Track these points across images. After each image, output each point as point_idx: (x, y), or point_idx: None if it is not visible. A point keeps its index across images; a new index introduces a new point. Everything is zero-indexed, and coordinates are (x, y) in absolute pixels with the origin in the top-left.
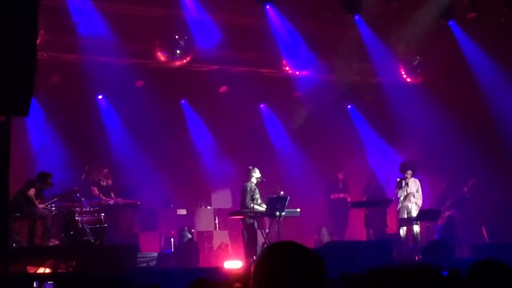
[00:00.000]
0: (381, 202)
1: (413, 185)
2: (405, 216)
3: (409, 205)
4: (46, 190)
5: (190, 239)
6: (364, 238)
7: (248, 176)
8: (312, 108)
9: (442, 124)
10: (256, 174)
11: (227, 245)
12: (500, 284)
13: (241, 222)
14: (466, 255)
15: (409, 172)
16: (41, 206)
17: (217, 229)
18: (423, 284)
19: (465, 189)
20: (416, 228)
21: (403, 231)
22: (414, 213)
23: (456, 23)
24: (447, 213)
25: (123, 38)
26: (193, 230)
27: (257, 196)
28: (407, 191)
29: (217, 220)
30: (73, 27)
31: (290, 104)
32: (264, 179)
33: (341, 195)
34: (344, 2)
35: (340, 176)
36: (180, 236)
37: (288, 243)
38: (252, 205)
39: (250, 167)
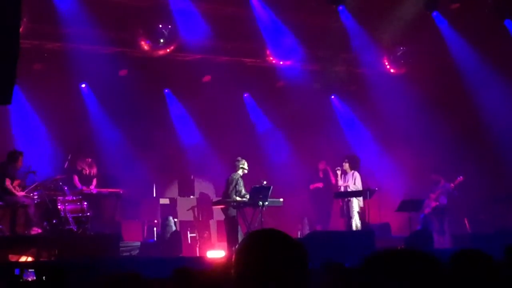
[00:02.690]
0: (365, 192)
1: (350, 178)
2: (350, 211)
3: (351, 199)
4: (28, 178)
5: (173, 230)
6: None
7: (236, 167)
8: (296, 98)
9: (425, 115)
10: (244, 166)
11: (210, 234)
12: (481, 273)
13: (223, 212)
14: (447, 245)
15: (345, 164)
16: (21, 193)
17: (200, 219)
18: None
19: (452, 186)
20: (357, 223)
21: (348, 224)
22: (356, 208)
23: (440, 14)
24: (434, 204)
25: (107, 27)
26: (175, 220)
27: (241, 188)
28: (344, 183)
29: (200, 209)
30: (57, 15)
31: (274, 93)
32: (247, 171)
33: (321, 184)
34: None
35: (321, 166)
36: (163, 226)
37: (269, 231)
38: (234, 196)
39: (239, 158)
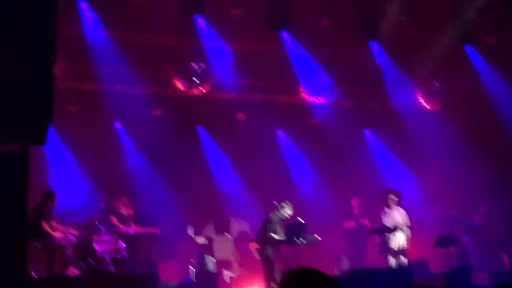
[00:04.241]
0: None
1: (397, 214)
2: (396, 247)
3: (398, 235)
4: (65, 219)
5: (210, 269)
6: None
7: (279, 208)
8: (330, 134)
9: (462, 150)
10: (289, 212)
11: (247, 273)
12: None
13: (258, 251)
14: (485, 282)
15: (392, 198)
16: (58, 234)
17: (237, 258)
18: None
19: (477, 217)
20: (404, 260)
21: (393, 261)
22: (405, 244)
23: (474, 48)
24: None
25: (141, 67)
26: (213, 259)
27: (277, 227)
28: (393, 220)
29: (237, 248)
30: (91, 56)
31: (308, 130)
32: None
33: (355, 224)
34: (360, 28)
35: (354, 202)
36: (200, 265)
37: (306, 270)
38: (271, 234)
39: (288, 203)
